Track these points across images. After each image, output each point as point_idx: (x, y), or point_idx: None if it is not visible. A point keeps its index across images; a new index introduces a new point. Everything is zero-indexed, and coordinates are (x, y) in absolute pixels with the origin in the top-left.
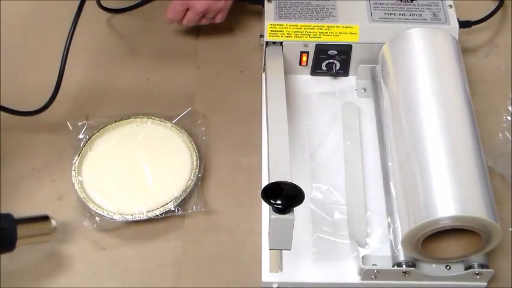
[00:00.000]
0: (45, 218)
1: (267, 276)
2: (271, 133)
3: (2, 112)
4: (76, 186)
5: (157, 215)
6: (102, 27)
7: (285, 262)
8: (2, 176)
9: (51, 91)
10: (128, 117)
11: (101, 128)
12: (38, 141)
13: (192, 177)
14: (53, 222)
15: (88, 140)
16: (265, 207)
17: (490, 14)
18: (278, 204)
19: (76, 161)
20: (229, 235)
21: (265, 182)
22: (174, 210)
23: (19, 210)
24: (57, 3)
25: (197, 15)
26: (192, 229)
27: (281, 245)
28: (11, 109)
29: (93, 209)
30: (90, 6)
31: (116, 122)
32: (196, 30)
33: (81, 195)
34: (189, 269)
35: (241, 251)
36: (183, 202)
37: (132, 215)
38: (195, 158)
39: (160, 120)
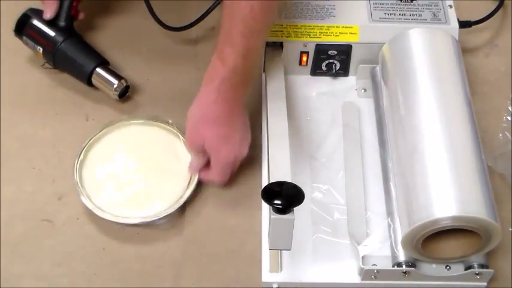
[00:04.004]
0: (120, 78)
1: (267, 276)
2: (271, 133)
3: (2, 112)
4: (77, 188)
5: (158, 217)
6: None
7: (285, 262)
8: (2, 176)
9: None
10: (128, 119)
11: (101, 130)
12: (38, 141)
13: (192, 177)
14: (120, 85)
15: (88, 141)
16: (265, 207)
17: (490, 14)
18: (278, 204)
19: (77, 162)
20: (229, 235)
21: (265, 182)
22: (174, 211)
23: (19, 210)
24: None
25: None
26: (192, 229)
27: (281, 245)
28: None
29: (92, 209)
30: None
31: (116, 123)
32: (196, 31)
33: (82, 197)
34: (189, 269)
35: (241, 251)
36: (183, 202)
37: (131, 217)
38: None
39: (160, 121)
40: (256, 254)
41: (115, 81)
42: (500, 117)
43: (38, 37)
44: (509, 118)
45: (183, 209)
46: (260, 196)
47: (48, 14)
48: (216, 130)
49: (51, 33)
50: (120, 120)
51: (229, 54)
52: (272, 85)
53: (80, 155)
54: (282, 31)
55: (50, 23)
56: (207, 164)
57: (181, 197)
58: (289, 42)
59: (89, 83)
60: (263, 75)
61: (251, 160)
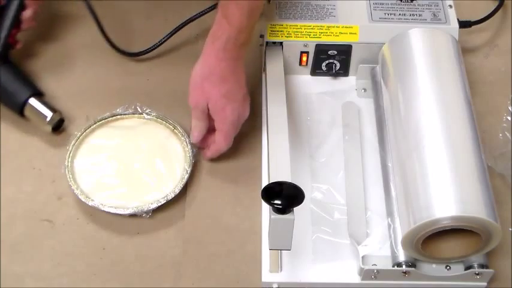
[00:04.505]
0: (54, 110)
1: (267, 276)
2: (271, 133)
3: (2, 111)
4: (70, 183)
5: (155, 207)
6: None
7: (285, 262)
8: (2, 176)
9: None
10: (124, 115)
11: (92, 125)
12: (38, 141)
13: (187, 169)
14: (54, 117)
15: (80, 135)
16: (265, 207)
17: (490, 14)
18: (278, 204)
19: (69, 154)
20: (229, 235)
21: (265, 182)
22: (168, 203)
23: (19, 210)
24: (57, 3)
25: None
26: (192, 229)
27: (281, 245)
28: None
29: (83, 200)
30: None
31: (111, 117)
32: (196, 30)
33: (74, 188)
34: (189, 269)
35: (241, 251)
36: (179, 199)
37: (127, 208)
38: (188, 155)
39: (154, 116)
40: (256, 254)
41: (49, 113)
42: (500, 117)
43: None
44: (509, 118)
45: (181, 204)
46: (260, 196)
47: None
48: (221, 88)
49: None
50: (112, 115)
51: (235, 13)
52: (272, 85)
53: (70, 151)
54: (282, 31)
55: None
56: (208, 139)
57: (182, 178)
58: (289, 42)
59: (21, 114)
60: (263, 75)
61: (251, 159)
